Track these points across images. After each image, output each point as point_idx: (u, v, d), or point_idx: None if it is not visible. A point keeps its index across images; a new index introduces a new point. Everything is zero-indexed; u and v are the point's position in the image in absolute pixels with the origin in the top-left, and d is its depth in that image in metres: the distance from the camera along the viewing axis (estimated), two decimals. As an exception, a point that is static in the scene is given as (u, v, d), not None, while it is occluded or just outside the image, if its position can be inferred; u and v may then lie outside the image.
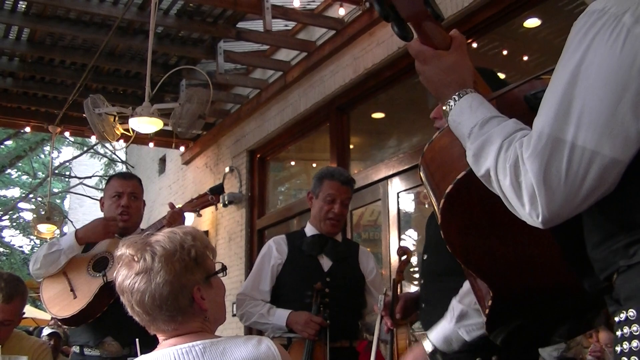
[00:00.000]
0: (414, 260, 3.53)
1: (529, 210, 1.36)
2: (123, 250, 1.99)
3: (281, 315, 3.83)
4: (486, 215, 1.65)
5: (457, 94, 1.58)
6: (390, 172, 6.87)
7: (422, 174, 1.78)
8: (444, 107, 1.60)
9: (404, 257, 3.43)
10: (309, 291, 3.83)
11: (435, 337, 2.61)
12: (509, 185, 1.38)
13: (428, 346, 2.62)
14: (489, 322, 1.85)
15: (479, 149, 1.46)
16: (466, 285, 2.59)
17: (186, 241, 1.99)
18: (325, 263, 4.01)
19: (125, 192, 4.02)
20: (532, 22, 5.86)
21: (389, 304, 3.22)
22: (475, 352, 2.66)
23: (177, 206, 4.00)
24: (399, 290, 3.30)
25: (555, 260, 1.70)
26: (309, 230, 4.12)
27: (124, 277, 1.96)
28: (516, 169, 1.36)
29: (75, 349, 3.92)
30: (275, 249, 4.05)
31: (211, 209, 8.57)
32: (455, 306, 2.59)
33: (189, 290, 1.96)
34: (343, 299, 3.91)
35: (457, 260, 2.96)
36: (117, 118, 6.73)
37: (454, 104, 1.58)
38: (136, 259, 1.94)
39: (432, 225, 3.08)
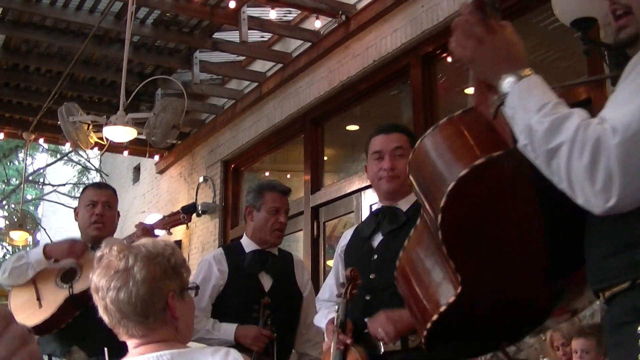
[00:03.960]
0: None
1: (599, 191, 1.40)
2: (106, 250, 2.01)
3: (227, 330, 3.73)
4: (491, 205, 1.69)
5: (528, 68, 1.61)
6: (364, 184, 6.89)
7: (413, 164, 1.83)
8: (506, 77, 1.62)
9: (354, 281, 3.32)
10: (256, 305, 3.74)
11: None
12: (586, 165, 1.42)
13: None
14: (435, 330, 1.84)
15: (555, 122, 1.49)
16: None
17: (167, 250, 2.04)
18: (266, 282, 3.91)
19: (99, 200, 4.02)
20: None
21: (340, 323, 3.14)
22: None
23: (147, 222, 3.97)
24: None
25: (534, 270, 1.77)
26: (247, 245, 4.02)
27: (101, 276, 1.97)
28: (596, 150, 1.40)
29: (44, 357, 3.93)
30: (216, 269, 3.93)
31: (185, 218, 8.53)
32: None
33: (165, 295, 1.98)
34: (286, 317, 3.85)
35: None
36: (91, 126, 6.72)
37: (530, 74, 1.60)
38: (119, 258, 1.96)
39: (373, 248, 3.24)
